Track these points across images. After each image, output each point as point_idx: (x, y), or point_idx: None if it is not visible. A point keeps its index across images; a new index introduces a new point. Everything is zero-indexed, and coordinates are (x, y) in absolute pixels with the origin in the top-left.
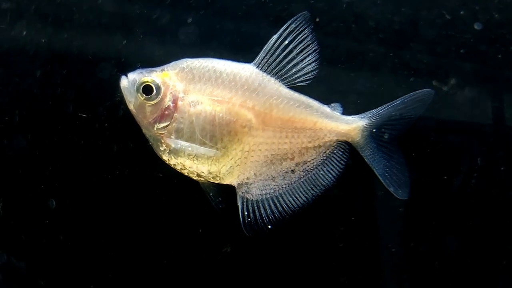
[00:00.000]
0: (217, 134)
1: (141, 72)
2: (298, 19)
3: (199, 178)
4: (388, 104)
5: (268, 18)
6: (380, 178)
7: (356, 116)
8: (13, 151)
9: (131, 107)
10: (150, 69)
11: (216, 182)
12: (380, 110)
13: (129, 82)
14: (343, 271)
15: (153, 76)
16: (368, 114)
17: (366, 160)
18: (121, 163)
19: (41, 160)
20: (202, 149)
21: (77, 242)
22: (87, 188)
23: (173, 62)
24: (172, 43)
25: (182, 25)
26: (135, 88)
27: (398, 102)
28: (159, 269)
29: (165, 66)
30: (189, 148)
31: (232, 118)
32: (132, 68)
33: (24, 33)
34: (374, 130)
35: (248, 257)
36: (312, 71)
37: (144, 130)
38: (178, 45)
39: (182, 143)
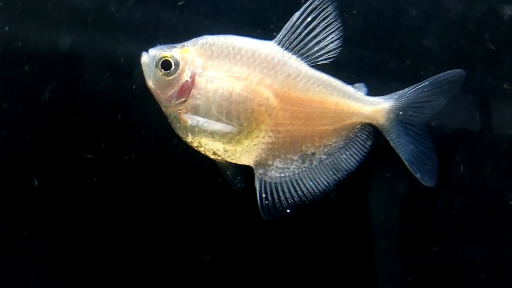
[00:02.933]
0: (233, 111)
1: (161, 48)
2: None
3: (216, 157)
4: (416, 85)
5: None
6: (406, 164)
7: (382, 97)
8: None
9: (150, 83)
10: (171, 45)
11: (233, 161)
12: (406, 92)
13: (149, 57)
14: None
15: (173, 51)
16: (394, 95)
17: (392, 144)
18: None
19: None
20: (218, 125)
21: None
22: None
23: (194, 39)
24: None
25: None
26: (154, 63)
27: (426, 83)
28: (170, 254)
29: (185, 43)
30: (205, 124)
31: (249, 96)
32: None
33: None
34: (400, 113)
35: (263, 241)
36: (335, 49)
37: (162, 107)
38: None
39: (198, 119)
